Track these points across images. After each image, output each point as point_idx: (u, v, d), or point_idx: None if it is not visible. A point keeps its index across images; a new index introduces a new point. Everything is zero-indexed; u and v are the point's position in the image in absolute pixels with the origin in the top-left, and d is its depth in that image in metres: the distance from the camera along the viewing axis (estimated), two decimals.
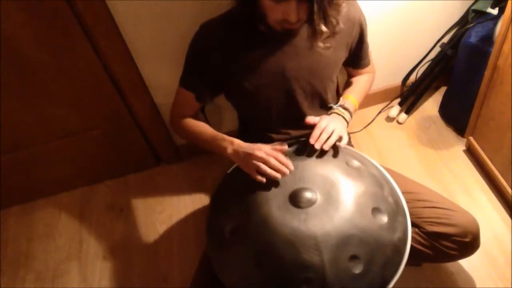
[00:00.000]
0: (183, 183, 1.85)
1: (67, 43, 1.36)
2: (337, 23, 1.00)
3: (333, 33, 1.03)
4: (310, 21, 0.96)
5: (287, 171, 1.00)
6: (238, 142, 1.10)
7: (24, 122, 1.58)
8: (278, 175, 0.99)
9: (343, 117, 1.18)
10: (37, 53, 1.37)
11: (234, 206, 1.04)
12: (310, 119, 1.12)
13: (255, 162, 1.01)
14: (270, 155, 1.01)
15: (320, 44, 1.04)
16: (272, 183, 1.00)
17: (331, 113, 1.20)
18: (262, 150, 1.02)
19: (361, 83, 1.33)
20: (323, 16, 0.95)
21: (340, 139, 1.09)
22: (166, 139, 1.80)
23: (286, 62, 1.11)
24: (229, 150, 1.10)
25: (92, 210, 1.82)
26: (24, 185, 1.83)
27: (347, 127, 1.19)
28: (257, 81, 1.13)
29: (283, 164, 1.00)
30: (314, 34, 1.00)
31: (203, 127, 1.22)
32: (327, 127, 1.08)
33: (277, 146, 1.05)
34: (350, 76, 1.36)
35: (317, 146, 1.05)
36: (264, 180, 0.99)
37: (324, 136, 1.06)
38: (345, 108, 1.20)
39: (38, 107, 1.54)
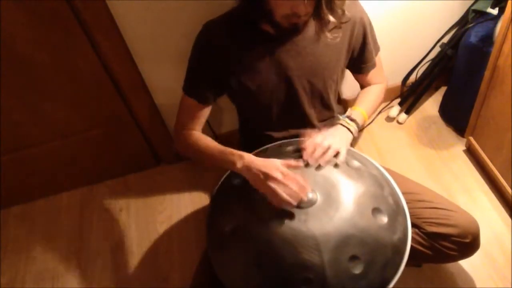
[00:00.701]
0: (183, 183, 1.85)
1: (67, 43, 1.36)
2: (343, 13, 1.01)
3: (340, 23, 1.03)
4: (318, 12, 0.97)
5: (305, 198, 0.94)
6: (249, 157, 1.01)
7: (24, 122, 1.58)
8: (294, 203, 0.93)
9: (348, 129, 1.14)
10: (37, 53, 1.37)
11: (234, 206, 1.04)
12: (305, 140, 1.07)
13: (271, 184, 0.94)
14: (289, 179, 0.94)
15: (329, 35, 1.04)
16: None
17: (336, 124, 1.16)
18: (278, 170, 0.95)
19: (371, 93, 1.29)
20: (330, 7, 0.96)
21: (337, 154, 1.05)
22: (166, 139, 1.80)
23: (288, 61, 1.12)
24: (239, 165, 1.01)
25: (92, 210, 1.82)
26: (24, 185, 1.83)
27: (354, 138, 1.14)
28: (259, 80, 1.13)
29: (301, 188, 0.93)
30: (322, 25, 1.01)
31: (208, 141, 1.16)
32: (322, 143, 1.04)
33: (293, 162, 0.99)
34: (361, 85, 1.35)
35: (312, 162, 1.01)
36: (281, 206, 0.93)
37: (319, 151, 1.02)
38: (352, 119, 1.16)
39: (38, 107, 1.54)
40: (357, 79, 1.34)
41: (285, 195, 0.92)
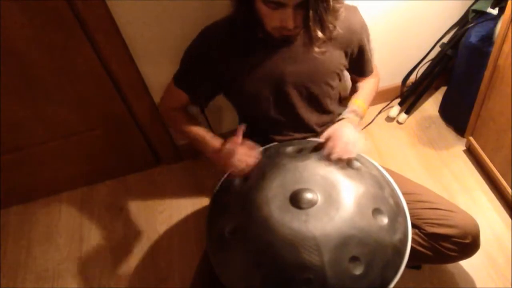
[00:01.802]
0: (183, 183, 1.85)
1: (67, 43, 1.36)
2: (334, 28, 1.00)
3: (329, 39, 1.02)
4: (306, 27, 0.96)
5: (258, 155, 1.06)
6: (219, 144, 1.13)
7: (24, 122, 1.57)
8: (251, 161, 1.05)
9: (350, 120, 1.15)
10: (37, 53, 1.37)
11: (234, 206, 1.04)
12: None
13: (228, 159, 1.07)
14: (237, 148, 1.07)
15: (316, 49, 1.04)
16: (273, 183, 0.99)
17: (338, 120, 1.17)
18: (231, 144, 1.08)
19: (366, 87, 1.31)
20: (319, 22, 0.95)
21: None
22: (166, 139, 1.80)
23: (285, 66, 1.11)
24: (209, 153, 1.15)
25: (92, 210, 1.82)
26: (24, 185, 1.83)
27: (356, 128, 1.15)
28: (256, 85, 1.13)
29: (250, 148, 1.07)
30: (310, 39, 1.00)
31: (191, 125, 1.22)
32: (342, 138, 1.05)
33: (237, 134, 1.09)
34: (354, 82, 1.35)
35: (334, 157, 1.01)
36: (241, 173, 1.05)
37: (342, 148, 1.03)
38: (352, 111, 1.18)
39: (38, 107, 1.54)
40: (353, 78, 1.34)
41: (236, 162, 1.05)
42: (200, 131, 1.20)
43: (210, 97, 1.23)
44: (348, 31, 1.11)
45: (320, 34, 0.97)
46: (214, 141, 1.15)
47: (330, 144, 1.04)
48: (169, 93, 1.26)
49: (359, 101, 1.23)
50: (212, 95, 1.23)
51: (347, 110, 1.20)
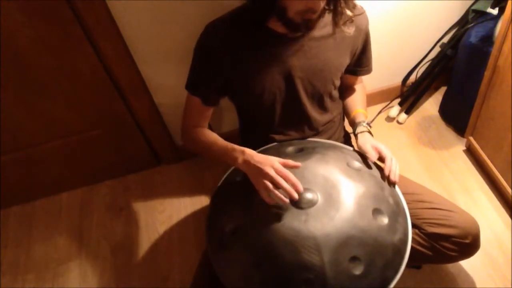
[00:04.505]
0: (183, 183, 1.85)
1: (67, 43, 1.36)
2: (354, 6, 1.03)
3: (353, 16, 1.05)
4: (335, 6, 0.99)
5: (296, 196, 0.93)
6: (249, 152, 1.03)
7: (24, 122, 1.57)
8: (286, 200, 0.93)
9: (370, 132, 1.20)
10: (37, 53, 1.37)
11: (234, 206, 1.04)
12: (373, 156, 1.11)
13: (264, 180, 0.95)
14: (280, 174, 0.94)
15: (347, 30, 1.06)
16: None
17: (362, 132, 1.18)
18: (273, 167, 0.95)
19: (361, 94, 1.34)
20: (346, 1, 1.00)
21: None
22: (166, 139, 1.80)
23: (293, 61, 1.10)
24: (240, 160, 1.03)
25: (92, 210, 1.82)
26: (24, 185, 1.83)
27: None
28: (264, 81, 1.12)
29: (292, 184, 0.93)
30: (339, 18, 1.03)
31: (214, 138, 1.18)
32: (392, 159, 1.12)
33: (290, 162, 0.98)
34: (344, 84, 1.33)
35: (395, 179, 1.08)
36: (272, 202, 0.95)
37: (395, 168, 1.10)
38: (367, 123, 1.21)
39: (38, 107, 1.54)
40: (346, 78, 1.32)
41: (275, 191, 0.93)
42: (224, 142, 1.14)
43: (220, 95, 1.21)
44: (356, 30, 1.12)
45: (349, 12, 1.01)
46: (243, 149, 1.06)
47: (392, 167, 1.09)
48: (186, 107, 1.23)
49: (362, 111, 1.26)
50: (222, 93, 1.21)
51: (361, 122, 1.21)
